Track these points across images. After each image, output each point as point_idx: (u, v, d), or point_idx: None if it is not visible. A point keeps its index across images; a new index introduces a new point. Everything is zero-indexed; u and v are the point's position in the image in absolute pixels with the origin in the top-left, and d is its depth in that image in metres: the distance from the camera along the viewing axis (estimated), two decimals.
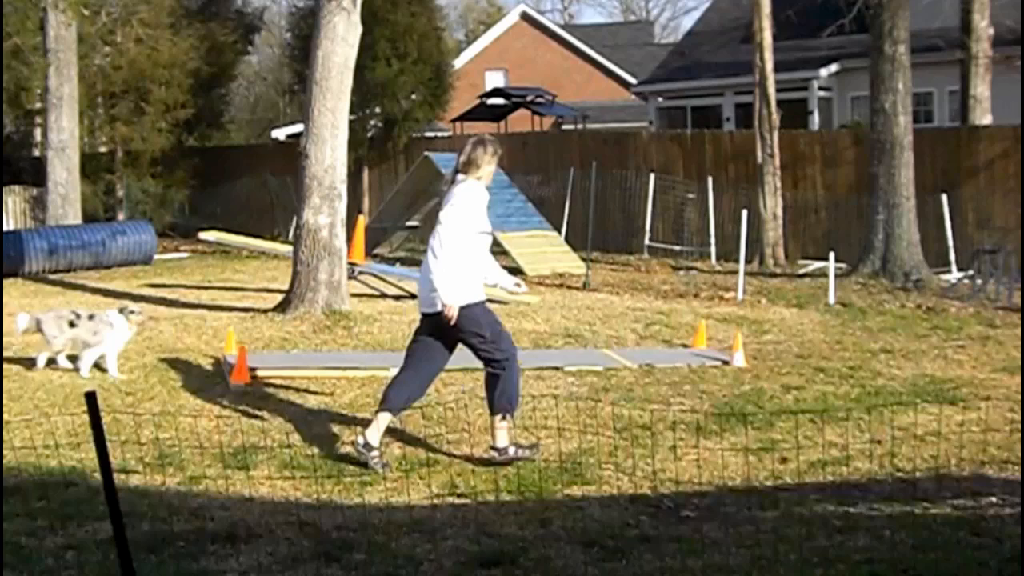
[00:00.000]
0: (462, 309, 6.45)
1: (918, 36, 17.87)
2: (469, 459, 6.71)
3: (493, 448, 6.60)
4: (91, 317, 8.97)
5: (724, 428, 7.37)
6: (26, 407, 7.85)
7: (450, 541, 5.19)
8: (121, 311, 9.10)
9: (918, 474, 6.35)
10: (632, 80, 34.10)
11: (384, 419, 6.60)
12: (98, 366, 9.01)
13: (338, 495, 6.02)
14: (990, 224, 17.07)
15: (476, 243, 6.57)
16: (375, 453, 6.50)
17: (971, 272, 14.90)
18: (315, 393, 8.38)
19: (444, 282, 6.41)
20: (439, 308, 6.47)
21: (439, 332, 6.61)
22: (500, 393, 6.55)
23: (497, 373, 6.56)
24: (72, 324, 8.89)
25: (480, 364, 6.71)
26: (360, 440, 6.56)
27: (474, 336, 6.54)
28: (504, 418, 6.58)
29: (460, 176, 6.61)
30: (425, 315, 6.67)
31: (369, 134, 22.74)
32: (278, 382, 8.69)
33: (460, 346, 6.75)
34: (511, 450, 6.57)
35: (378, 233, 19.15)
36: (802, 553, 4.98)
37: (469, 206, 6.51)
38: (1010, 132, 17.33)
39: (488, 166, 6.63)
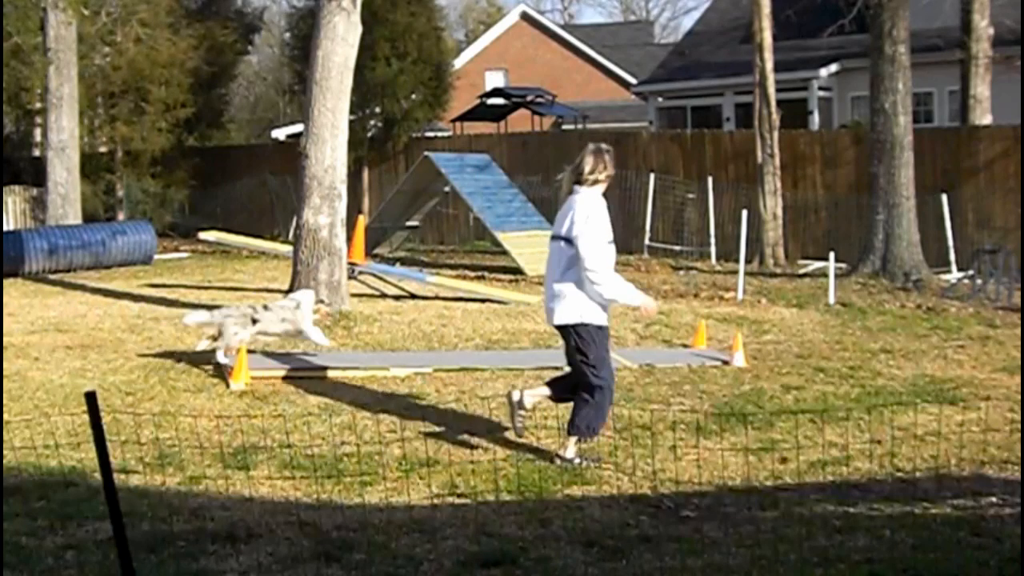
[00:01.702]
0: (578, 325, 6.48)
1: (918, 36, 17.87)
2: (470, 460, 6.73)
3: (559, 457, 6.60)
4: (266, 308, 9.34)
5: (724, 428, 7.37)
6: (26, 407, 7.85)
7: (450, 541, 5.19)
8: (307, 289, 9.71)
9: (918, 474, 6.35)
10: (632, 80, 34.09)
11: (542, 394, 6.78)
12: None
13: (338, 495, 6.02)
14: (990, 224, 17.08)
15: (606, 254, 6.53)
16: (523, 413, 6.71)
17: (971, 272, 14.90)
18: (315, 393, 8.37)
19: (622, 294, 6.47)
20: (561, 322, 6.52)
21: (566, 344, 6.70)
22: (581, 417, 6.55)
23: (586, 398, 6.55)
24: (254, 321, 9.16)
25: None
26: (517, 394, 6.72)
27: (578, 353, 6.55)
28: (578, 441, 6.61)
29: (577, 187, 6.56)
30: (555, 326, 6.75)
31: (369, 134, 22.74)
32: (278, 382, 8.69)
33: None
34: (576, 460, 6.58)
35: (378, 233, 19.15)
36: (802, 553, 4.98)
37: (600, 218, 6.48)
38: (1010, 132, 17.35)
39: (607, 172, 6.58)
